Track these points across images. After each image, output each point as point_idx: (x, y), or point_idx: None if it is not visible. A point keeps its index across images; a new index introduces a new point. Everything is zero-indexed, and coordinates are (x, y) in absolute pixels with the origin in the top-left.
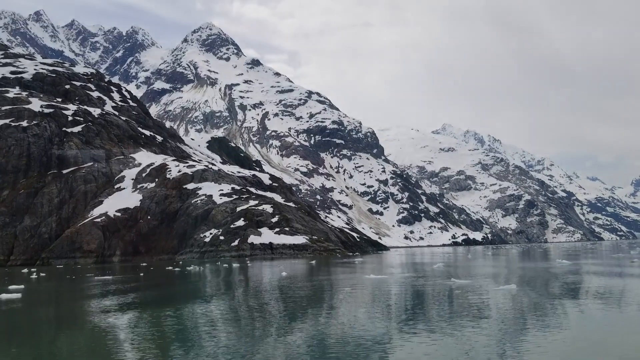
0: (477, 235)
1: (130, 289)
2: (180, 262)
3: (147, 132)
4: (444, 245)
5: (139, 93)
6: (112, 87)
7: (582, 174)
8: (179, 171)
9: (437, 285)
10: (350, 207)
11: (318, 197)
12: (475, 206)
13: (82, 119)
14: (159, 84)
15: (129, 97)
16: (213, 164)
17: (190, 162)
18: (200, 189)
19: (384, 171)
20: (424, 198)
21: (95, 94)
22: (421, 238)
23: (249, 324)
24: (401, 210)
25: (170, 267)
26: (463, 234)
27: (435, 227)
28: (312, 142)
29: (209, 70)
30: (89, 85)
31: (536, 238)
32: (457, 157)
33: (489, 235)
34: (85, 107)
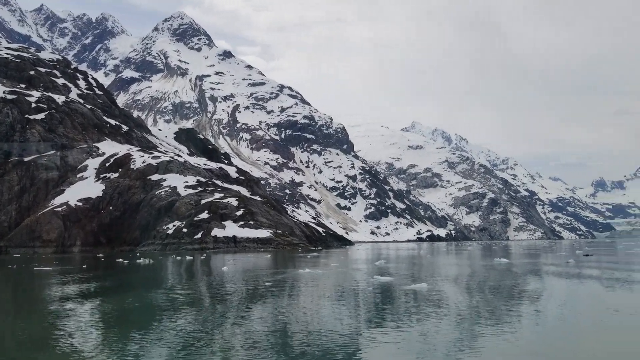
0: (442, 232)
1: (58, 281)
2: (138, 254)
3: (113, 122)
4: (409, 240)
5: (107, 81)
6: (78, 75)
7: (544, 174)
8: (144, 162)
9: (358, 281)
10: (318, 202)
11: (287, 191)
12: (440, 203)
13: (45, 106)
14: (128, 73)
15: (95, 85)
16: (179, 156)
17: (156, 153)
18: (164, 180)
19: (353, 167)
20: (391, 194)
21: (61, 81)
22: (387, 234)
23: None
24: (369, 206)
25: (121, 260)
26: (428, 230)
27: (401, 223)
28: (282, 136)
29: (179, 60)
30: (55, 72)
31: (498, 235)
32: (424, 155)
33: (453, 232)
34: (49, 94)
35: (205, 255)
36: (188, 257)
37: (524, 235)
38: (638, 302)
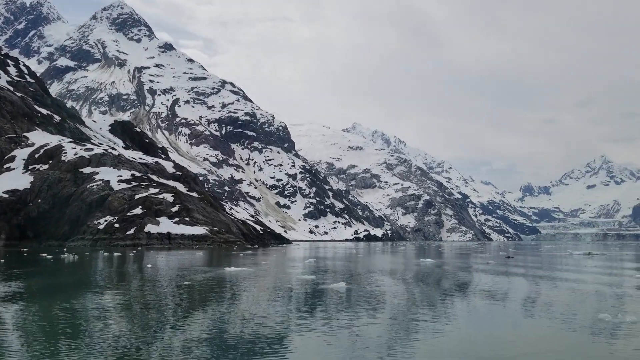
0: (378, 232)
1: None
2: (65, 250)
3: (44, 111)
4: (346, 240)
5: (40, 69)
6: (8, 61)
7: (477, 178)
8: (76, 154)
9: (280, 280)
10: (258, 200)
11: (226, 188)
12: (378, 204)
13: None
14: (63, 61)
15: (26, 72)
16: (114, 149)
17: (89, 145)
18: (97, 173)
19: (293, 165)
20: (330, 194)
21: None
22: (325, 233)
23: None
24: (308, 205)
25: (45, 254)
26: (365, 230)
27: (339, 222)
28: (223, 132)
29: (117, 51)
30: None
31: (432, 236)
32: (364, 156)
33: (389, 232)
34: None
35: (135, 252)
36: (116, 254)
37: (456, 236)
38: (535, 297)
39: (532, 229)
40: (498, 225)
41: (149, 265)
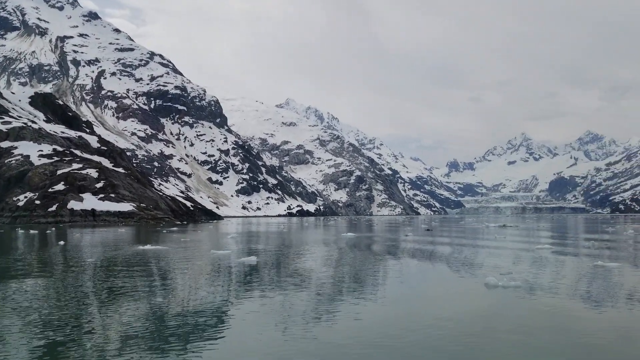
0: (311, 207)
1: None
2: None
3: None
4: (279, 215)
5: None
6: None
7: (406, 154)
8: None
9: (193, 256)
10: (189, 176)
11: (156, 163)
12: (311, 179)
13: None
14: None
15: None
16: (34, 122)
17: (7, 118)
18: (15, 148)
19: (226, 141)
20: (263, 170)
21: None
22: (258, 208)
23: None
24: (241, 181)
25: None
26: (298, 206)
27: (272, 198)
28: (152, 106)
29: (38, 19)
30: None
31: (363, 211)
32: (297, 132)
33: (322, 207)
34: None
35: (54, 229)
36: (32, 231)
37: (386, 211)
38: (431, 265)
39: (457, 203)
40: (426, 199)
41: (62, 242)
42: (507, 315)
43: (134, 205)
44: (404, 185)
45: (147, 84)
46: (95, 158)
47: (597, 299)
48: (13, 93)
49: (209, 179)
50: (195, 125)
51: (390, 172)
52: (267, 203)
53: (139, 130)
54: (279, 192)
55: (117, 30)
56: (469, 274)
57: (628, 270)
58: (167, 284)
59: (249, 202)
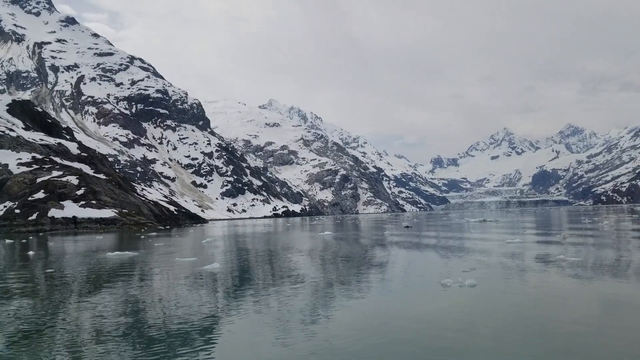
0: (297, 208)
1: None
2: None
3: None
4: (265, 217)
5: None
6: None
7: (390, 152)
8: None
9: (157, 263)
10: (173, 180)
11: (139, 168)
12: (296, 180)
13: None
14: None
15: None
16: (12, 130)
17: None
18: None
19: (209, 144)
20: (248, 171)
21: None
22: (244, 210)
23: None
24: (225, 183)
25: None
26: (284, 207)
27: (257, 199)
28: (133, 110)
29: (15, 25)
30: None
31: (349, 209)
32: (281, 132)
33: (307, 208)
34: None
35: (31, 238)
36: (7, 241)
37: (371, 209)
38: (392, 264)
39: (442, 199)
40: (411, 196)
41: (31, 252)
42: (456, 314)
43: (116, 211)
44: (389, 183)
45: (128, 89)
46: (76, 165)
47: (549, 294)
48: None
49: (193, 183)
50: (177, 128)
51: (375, 170)
52: (253, 205)
53: (121, 136)
54: (264, 194)
55: (95, 35)
56: (431, 273)
57: (589, 265)
58: (114, 292)
59: (235, 205)
